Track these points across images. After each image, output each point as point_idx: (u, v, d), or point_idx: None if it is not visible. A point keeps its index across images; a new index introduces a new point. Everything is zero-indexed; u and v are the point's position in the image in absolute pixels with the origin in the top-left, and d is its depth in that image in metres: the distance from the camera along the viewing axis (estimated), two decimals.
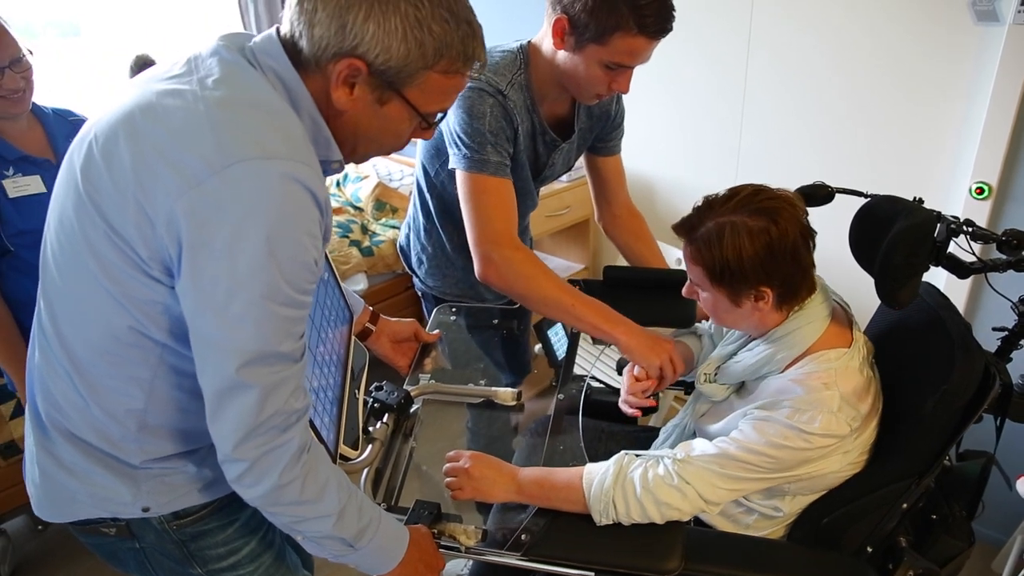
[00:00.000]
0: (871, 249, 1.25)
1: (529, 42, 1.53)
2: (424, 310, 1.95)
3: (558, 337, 1.78)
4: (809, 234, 1.18)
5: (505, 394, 1.57)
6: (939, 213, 1.24)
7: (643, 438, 1.64)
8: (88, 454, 1.01)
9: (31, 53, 1.69)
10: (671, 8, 1.36)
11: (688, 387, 1.72)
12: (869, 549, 1.25)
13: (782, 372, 1.21)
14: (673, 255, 2.45)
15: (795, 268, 1.16)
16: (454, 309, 1.83)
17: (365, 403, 1.44)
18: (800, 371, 1.19)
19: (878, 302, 1.28)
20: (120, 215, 0.86)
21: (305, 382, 0.97)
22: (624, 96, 1.66)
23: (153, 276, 0.88)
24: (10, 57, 1.62)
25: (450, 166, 1.51)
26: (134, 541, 1.09)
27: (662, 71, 2.43)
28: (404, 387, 1.51)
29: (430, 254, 1.83)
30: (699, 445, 1.22)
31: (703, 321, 1.58)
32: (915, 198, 1.28)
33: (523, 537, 1.22)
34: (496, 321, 1.81)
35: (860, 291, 1.37)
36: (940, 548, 1.27)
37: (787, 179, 2.36)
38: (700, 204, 1.21)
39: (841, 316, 1.27)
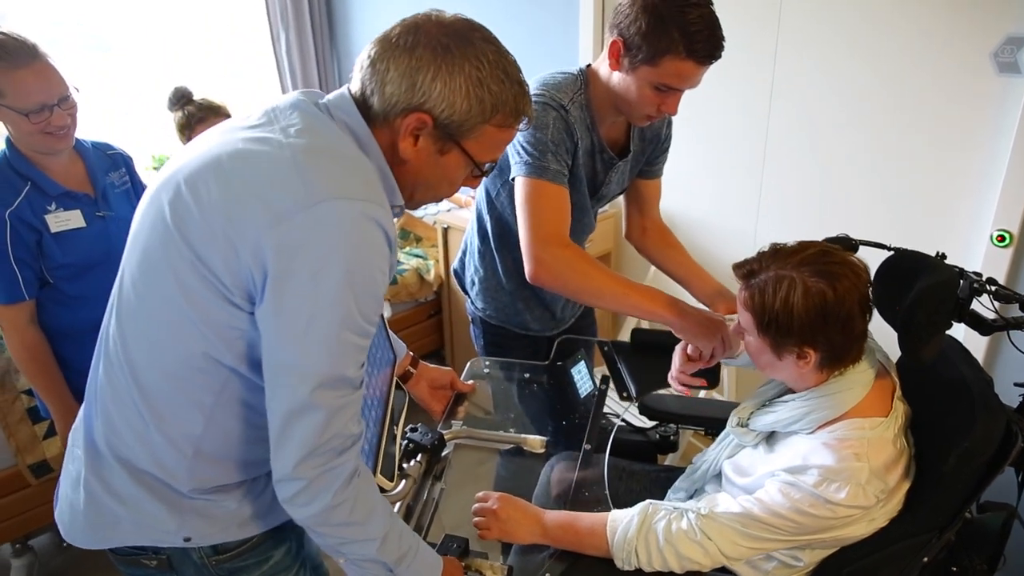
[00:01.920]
0: (893, 303, 1.26)
1: (588, 66, 1.61)
2: (471, 333, 2.00)
3: (581, 376, 1.81)
4: (867, 305, 1.18)
5: (534, 441, 1.60)
6: (962, 270, 1.25)
7: (663, 478, 1.65)
8: (139, 480, 1.05)
9: (77, 91, 1.74)
10: (720, 36, 1.42)
11: (713, 428, 1.74)
12: None
13: (812, 432, 1.21)
14: None
15: (844, 337, 1.17)
16: (487, 363, 1.89)
17: (401, 439, 1.48)
18: (832, 436, 1.18)
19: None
20: (207, 245, 0.93)
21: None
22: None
23: (234, 303, 0.94)
24: (59, 95, 1.67)
25: (511, 175, 1.57)
26: (173, 574, 1.13)
27: (687, 111, 2.46)
28: (438, 430, 1.55)
29: (481, 276, 1.89)
30: (723, 501, 1.23)
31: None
32: (938, 253, 1.30)
33: None
34: (527, 375, 1.86)
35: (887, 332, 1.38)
36: None
37: (807, 222, 2.40)
38: (765, 251, 1.22)
39: (884, 380, 1.26)
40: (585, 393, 1.79)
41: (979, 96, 1.97)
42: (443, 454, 1.53)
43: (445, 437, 1.55)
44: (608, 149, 1.67)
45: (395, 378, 1.50)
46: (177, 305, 0.96)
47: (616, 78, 1.51)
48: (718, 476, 1.42)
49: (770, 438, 1.31)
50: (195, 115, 2.23)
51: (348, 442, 0.99)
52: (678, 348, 1.52)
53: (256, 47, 3.68)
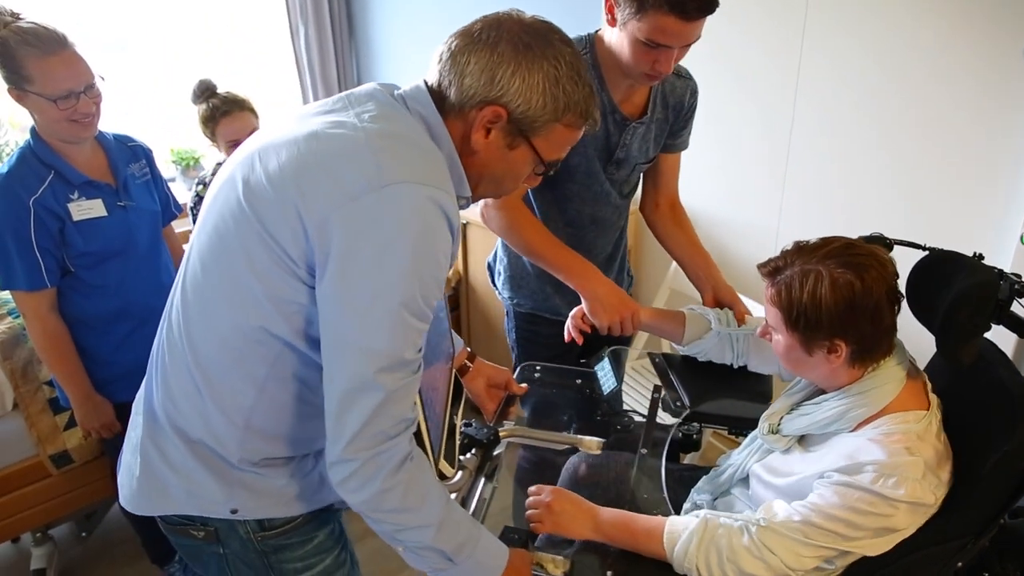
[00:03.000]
0: (930, 304, 1.24)
1: (597, 31, 1.62)
2: (505, 327, 2.01)
3: (604, 373, 1.80)
4: (895, 297, 1.17)
5: (590, 442, 1.57)
6: (1001, 271, 1.23)
7: (687, 477, 1.64)
8: (192, 450, 1.08)
9: (103, 79, 1.74)
10: None
11: (737, 427, 1.72)
12: None
13: (853, 431, 1.19)
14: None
15: (874, 328, 1.15)
16: (539, 368, 1.85)
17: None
18: (877, 431, 1.16)
19: (929, 350, 1.28)
20: (276, 219, 0.95)
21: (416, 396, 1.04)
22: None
23: (298, 276, 0.97)
24: (85, 83, 1.68)
25: None
26: (219, 546, 1.16)
27: (709, 108, 2.45)
28: (492, 426, 1.54)
29: (505, 265, 1.89)
30: (781, 510, 1.19)
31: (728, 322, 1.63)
32: (975, 253, 1.28)
33: (608, 574, 1.24)
34: (579, 381, 1.83)
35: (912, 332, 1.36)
36: None
37: (830, 221, 2.37)
38: (789, 248, 1.21)
39: (915, 377, 1.24)
40: (608, 390, 1.78)
41: (1008, 94, 1.94)
42: (495, 452, 1.51)
43: (500, 434, 1.53)
44: (620, 110, 1.65)
45: (454, 371, 1.49)
46: (244, 278, 0.98)
47: (614, 36, 1.52)
48: (744, 480, 1.40)
49: (803, 439, 1.29)
50: (219, 108, 2.23)
51: (402, 426, 1.00)
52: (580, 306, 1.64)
53: (275, 42, 3.67)
